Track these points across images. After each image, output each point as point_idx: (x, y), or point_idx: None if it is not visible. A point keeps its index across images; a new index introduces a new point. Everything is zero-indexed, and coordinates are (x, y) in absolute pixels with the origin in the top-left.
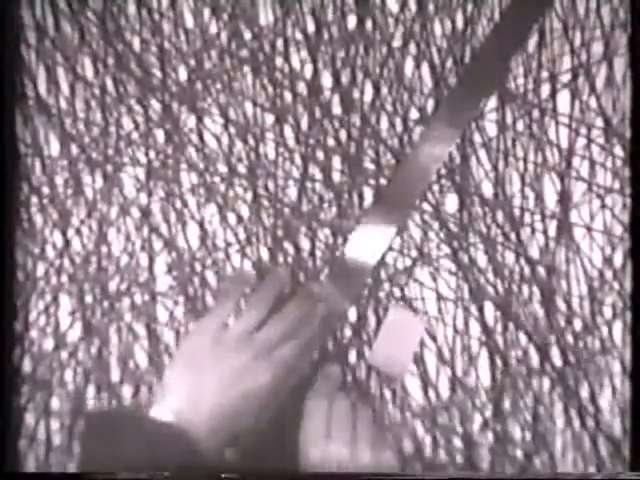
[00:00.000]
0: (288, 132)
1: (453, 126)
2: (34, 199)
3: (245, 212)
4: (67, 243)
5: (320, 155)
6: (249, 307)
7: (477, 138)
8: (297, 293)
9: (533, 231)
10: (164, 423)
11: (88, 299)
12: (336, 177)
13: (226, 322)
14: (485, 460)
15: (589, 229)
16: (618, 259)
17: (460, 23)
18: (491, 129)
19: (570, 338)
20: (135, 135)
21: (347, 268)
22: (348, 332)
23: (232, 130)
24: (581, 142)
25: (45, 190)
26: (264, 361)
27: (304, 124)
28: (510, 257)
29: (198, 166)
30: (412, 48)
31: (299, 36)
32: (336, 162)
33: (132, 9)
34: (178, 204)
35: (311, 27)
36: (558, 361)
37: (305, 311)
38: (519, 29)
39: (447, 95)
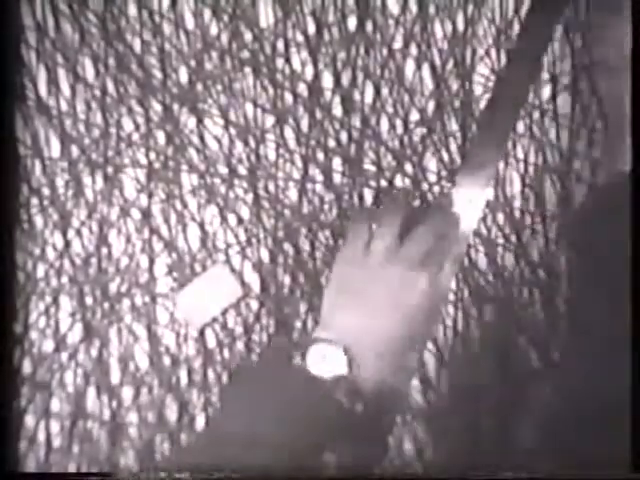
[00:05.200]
0: (289, 133)
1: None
2: (34, 200)
3: (245, 213)
4: (67, 244)
5: (320, 156)
6: (381, 227)
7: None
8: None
9: (533, 233)
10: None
11: (88, 300)
12: (337, 178)
13: (365, 246)
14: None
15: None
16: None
17: (461, 24)
18: None
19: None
20: (135, 136)
21: None
22: None
23: (232, 131)
24: (582, 143)
25: (45, 191)
26: (417, 271)
27: (304, 125)
28: (510, 259)
29: (199, 167)
30: (413, 49)
31: (300, 37)
32: (336, 163)
33: (133, 10)
34: (178, 205)
35: (312, 28)
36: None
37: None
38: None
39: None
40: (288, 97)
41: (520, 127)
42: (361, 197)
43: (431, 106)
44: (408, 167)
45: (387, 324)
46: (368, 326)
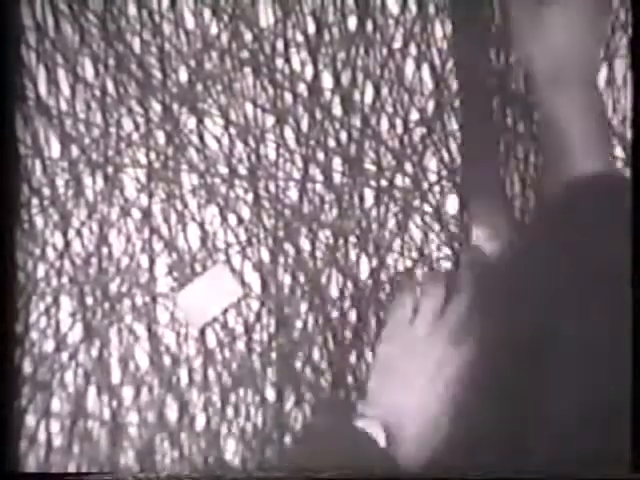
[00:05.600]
0: (289, 133)
1: None
2: (34, 200)
3: (246, 213)
4: (67, 244)
5: (321, 156)
6: (425, 294)
7: None
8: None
9: None
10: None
11: (89, 300)
12: (337, 178)
13: (411, 316)
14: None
15: None
16: None
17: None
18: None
19: None
20: (135, 136)
21: None
22: (348, 334)
23: (232, 131)
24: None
25: (45, 191)
26: (463, 340)
27: (304, 125)
28: None
29: (199, 167)
30: (412, 49)
31: (299, 37)
32: (337, 163)
33: (132, 10)
34: (179, 205)
35: (311, 28)
36: None
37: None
38: None
39: None
40: (288, 97)
41: (520, 127)
42: (361, 197)
43: (431, 106)
44: (408, 167)
45: (430, 401)
46: (412, 404)
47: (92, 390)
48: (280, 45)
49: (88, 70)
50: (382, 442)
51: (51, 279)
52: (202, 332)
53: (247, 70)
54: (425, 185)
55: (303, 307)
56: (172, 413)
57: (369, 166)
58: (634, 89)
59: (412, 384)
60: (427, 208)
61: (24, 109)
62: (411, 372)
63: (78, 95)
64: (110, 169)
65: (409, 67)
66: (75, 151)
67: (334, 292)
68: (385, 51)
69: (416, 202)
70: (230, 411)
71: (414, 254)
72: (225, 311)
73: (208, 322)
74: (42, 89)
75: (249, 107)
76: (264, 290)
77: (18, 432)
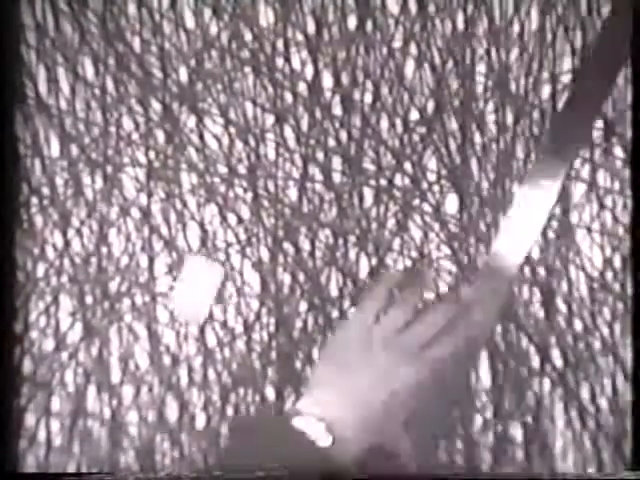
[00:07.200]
0: (288, 133)
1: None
2: (34, 200)
3: (245, 213)
4: (67, 244)
5: (320, 156)
6: (396, 306)
7: (477, 139)
8: (443, 298)
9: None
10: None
11: (88, 300)
12: (336, 178)
13: (373, 321)
14: (485, 460)
15: (589, 230)
16: (618, 260)
17: (461, 24)
18: (491, 130)
19: (570, 339)
20: (135, 135)
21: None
22: None
23: (232, 130)
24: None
25: (45, 191)
26: (411, 361)
27: (304, 125)
28: None
29: (198, 167)
30: (412, 49)
31: (300, 37)
32: (336, 163)
33: (132, 9)
34: (178, 205)
35: (311, 28)
36: (559, 362)
37: (453, 316)
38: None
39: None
40: (288, 96)
41: (520, 127)
42: (361, 196)
43: (431, 105)
44: (408, 166)
45: (370, 406)
46: (353, 405)
47: (92, 389)
48: (280, 44)
49: (88, 69)
50: (323, 441)
51: (51, 278)
52: (202, 331)
53: (247, 69)
54: (425, 185)
55: (303, 307)
56: (172, 412)
57: (369, 165)
58: (634, 89)
59: (355, 387)
60: (427, 208)
61: (24, 108)
62: (356, 377)
63: (78, 94)
64: (110, 168)
65: (409, 67)
66: (75, 150)
67: (334, 291)
68: (385, 51)
69: (416, 201)
70: (230, 411)
71: (413, 253)
72: (217, 297)
73: (206, 316)
74: (42, 88)
75: (249, 106)
76: (264, 289)
77: (18, 432)
